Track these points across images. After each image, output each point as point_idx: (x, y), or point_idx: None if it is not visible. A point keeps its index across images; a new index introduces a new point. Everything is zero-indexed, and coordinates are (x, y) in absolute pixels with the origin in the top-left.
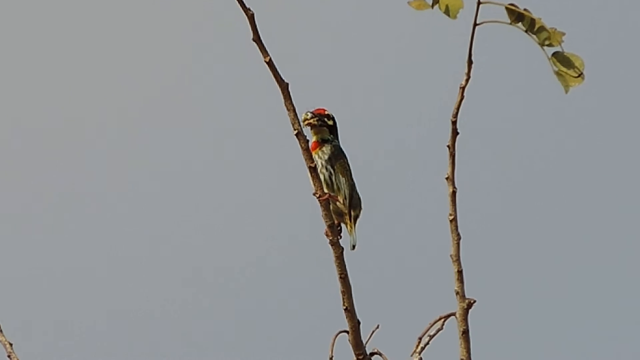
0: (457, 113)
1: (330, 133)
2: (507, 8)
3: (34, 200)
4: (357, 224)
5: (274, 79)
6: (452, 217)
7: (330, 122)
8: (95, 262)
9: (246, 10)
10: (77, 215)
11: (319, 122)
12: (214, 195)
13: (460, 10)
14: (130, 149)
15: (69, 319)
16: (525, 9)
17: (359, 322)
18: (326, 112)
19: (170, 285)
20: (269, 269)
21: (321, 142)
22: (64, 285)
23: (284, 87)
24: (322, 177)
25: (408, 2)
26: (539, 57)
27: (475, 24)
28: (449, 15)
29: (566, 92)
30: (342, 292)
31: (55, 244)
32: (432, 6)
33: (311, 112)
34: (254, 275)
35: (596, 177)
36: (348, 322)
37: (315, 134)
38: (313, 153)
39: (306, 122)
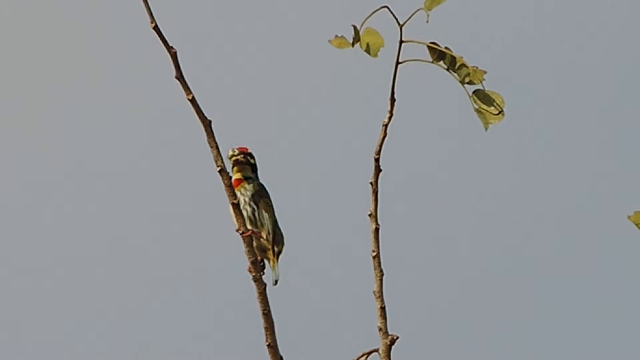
0: (379, 150)
1: (252, 171)
2: (428, 47)
3: None
4: (279, 260)
5: (197, 116)
6: (374, 254)
7: (252, 161)
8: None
9: (169, 48)
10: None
11: (245, 159)
12: (134, 237)
13: (382, 49)
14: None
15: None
16: (446, 47)
17: (282, 358)
18: (248, 151)
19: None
20: (190, 305)
21: (244, 180)
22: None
23: (207, 124)
24: (245, 213)
25: (329, 41)
26: (461, 94)
27: (397, 62)
28: (369, 54)
29: (486, 129)
30: (265, 328)
31: None
32: (353, 45)
33: (237, 149)
34: (175, 310)
35: (517, 211)
36: (271, 358)
37: (239, 171)
38: (236, 190)
39: (233, 158)
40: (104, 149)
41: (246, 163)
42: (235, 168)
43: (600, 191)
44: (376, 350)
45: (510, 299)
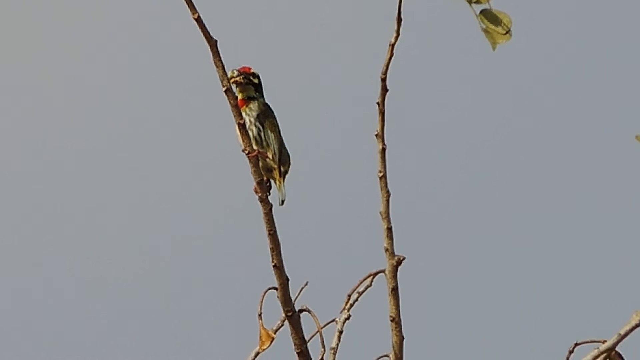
0: (386, 70)
1: (256, 91)
2: None
3: None
4: (286, 180)
5: (203, 36)
6: (381, 174)
7: (256, 80)
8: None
9: None
10: None
11: (245, 80)
12: (146, 153)
13: None
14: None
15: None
16: None
17: (287, 279)
18: (251, 70)
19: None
20: (197, 227)
21: (247, 100)
22: None
23: (212, 43)
24: (251, 133)
25: None
26: (468, 14)
27: None
28: None
29: (494, 49)
30: (271, 248)
31: None
32: None
33: (237, 70)
34: (184, 232)
35: (525, 134)
36: (277, 278)
37: (241, 91)
38: (241, 110)
39: (232, 79)
40: (106, 68)
41: (247, 83)
42: (237, 89)
43: (604, 115)
44: (382, 271)
45: (518, 219)
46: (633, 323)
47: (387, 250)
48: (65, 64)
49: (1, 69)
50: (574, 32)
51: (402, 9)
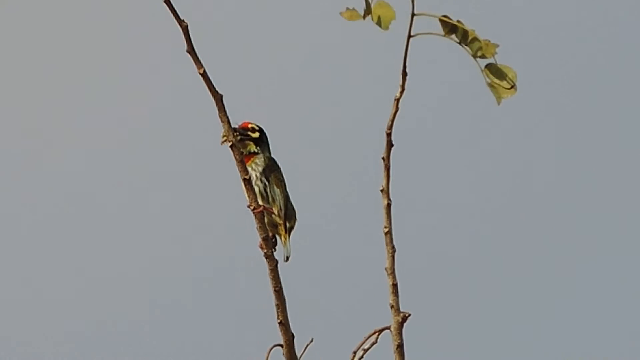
0: (391, 125)
1: (257, 145)
2: (440, 20)
3: None
4: (291, 236)
5: (208, 91)
6: (386, 230)
7: (255, 135)
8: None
9: (180, 21)
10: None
11: (241, 138)
12: (151, 206)
13: (393, 22)
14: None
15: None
16: (458, 21)
17: (293, 336)
18: (250, 125)
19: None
20: (203, 282)
21: (253, 155)
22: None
23: (218, 98)
24: (256, 189)
25: (340, 13)
26: (473, 68)
27: (409, 36)
28: (380, 27)
29: (498, 103)
30: (277, 305)
31: None
32: (364, 17)
33: (235, 129)
34: (188, 287)
35: (529, 186)
36: (282, 335)
37: (242, 148)
38: (247, 165)
39: (224, 138)
40: (110, 123)
41: (243, 140)
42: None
43: (609, 170)
44: (388, 328)
45: (522, 279)
46: None
47: (392, 306)
48: (66, 118)
49: None
50: (579, 86)
51: (407, 64)
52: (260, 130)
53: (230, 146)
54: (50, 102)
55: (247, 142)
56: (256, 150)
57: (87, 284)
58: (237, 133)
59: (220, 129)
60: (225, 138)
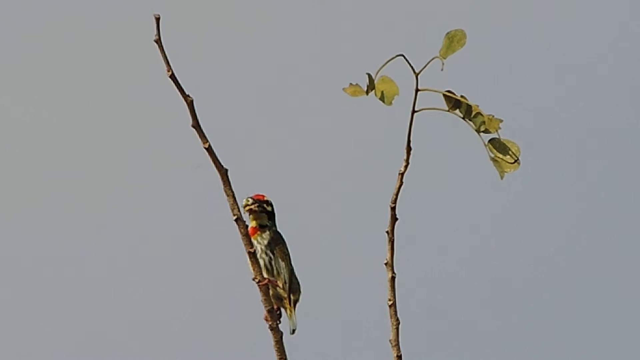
0: (396, 199)
1: (269, 219)
2: (444, 95)
3: None
4: (296, 309)
5: (213, 165)
6: (391, 302)
7: (269, 208)
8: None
9: (185, 96)
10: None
11: (259, 208)
12: (149, 283)
13: (397, 97)
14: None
15: None
16: (462, 96)
17: None
18: (265, 198)
19: None
20: (209, 354)
21: (260, 228)
22: None
23: (223, 172)
24: (261, 262)
25: (343, 89)
26: (477, 142)
27: (413, 111)
28: (384, 102)
29: (501, 177)
30: None
31: None
32: (367, 93)
33: (251, 198)
34: None
35: (533, 262)
36: None
37: (255, 219)
38: (252, 238)
39: (247, 207)
40: (115, 194)
41: (261, 211)
42: (251, 217)
43: (622, 245)
44: None
45: (532, 344)
46: None
47: None
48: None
49: None
50: (582, 160)
51: (411, 138)
52: (272, 205)
53: (236, 220)
54: None
55: (263, 214)
56: (268, 224)
57: None
58: (257, 204)
59: (224, 202)
60: (247, 207)
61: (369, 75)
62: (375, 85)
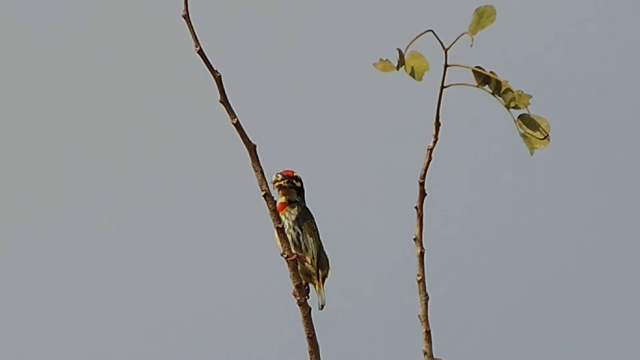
0: (424, 174)
1: (298, 195)
2: (473, 71)
3: None
4: (325, 284)
5: (242, 141)
6: (419, 278)
7: (299, 184)
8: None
9: (214, 72)
10: None
11: (289, 184)
12: (183, 254)
13: (426, 73)
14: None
15: None
16: (491, 72)
17: None
18: (294, 174)
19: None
20: (236, 329)
21: (288, 203)
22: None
23: (251, 148)
24: (289, 237)
25: (373, 64)
26: (506, 118)
27: (442, 87)
28: (414, 77)
29: (531, 154)
30: (310, 352)
31: None
32: (398, 68)
33: (281, 174)
34: (220, 334)
35: (562, 237)
36: None
37: (283, 195)
38: (280, 214)
39: (277, 183)
40: (146, 170)
41: (290, 187)
42: (280, 192)
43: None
44: None
45: (557, 321)
46: None
47: (425, 353)
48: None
49: None
50: (612, 136)
51: (440, 114)
52: (301, 180)
53: (264, 195)
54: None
55: (292, 190)
56: (297, 200)
57: None
58: (287, 180)
59: (253, 179)
60: (277, 183)
61: (399, 51)
62: (406, 61)
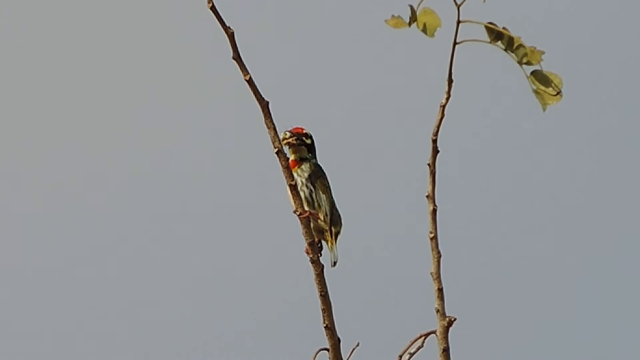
0: (437, 131)
1: (309, 152)
2: (486, 27)
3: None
4: (337, 241)
5: (254, 97)
6: (432, 235)
7: (309, 141)
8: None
9: (226, 28)
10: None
11: (298, 142)
12: (197, 209)
13: (439, 29)
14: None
15: None
16: (504, 28)
17: (339, 340)
18: (304, 131)
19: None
20: (248, 286)
21: (300, 161)
22: None
23: (264, 105)
24: (302, 194)
25: (385, 20)
26: (519, 75)
27: (455, 43)
28: (426, 34)
29: (544, 110)
30: (323, 309)
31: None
32: (410, 24)
33: (289, 132)
34: (232, 292)
35: (572, 194)
36: (328, 339)
37: (294, 152)
38: (293, 171)
39: (285, 141)
40: (160, 129)
41: (300, 144)
42: (290, 150)
43: None
44: (434, 332)
45: (567, 281)
46: None
47: (438, 311)
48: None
49: None
50: (624, 91)
51: (452, 71)
52: (312, 137)
53: (277, 152)
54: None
55: (302, 147)
56: (308, 157)
57: None
58: (295, 137)
59: (265, 135)
60: (285, 140)
61: (411, 7)
62: (418, 17)
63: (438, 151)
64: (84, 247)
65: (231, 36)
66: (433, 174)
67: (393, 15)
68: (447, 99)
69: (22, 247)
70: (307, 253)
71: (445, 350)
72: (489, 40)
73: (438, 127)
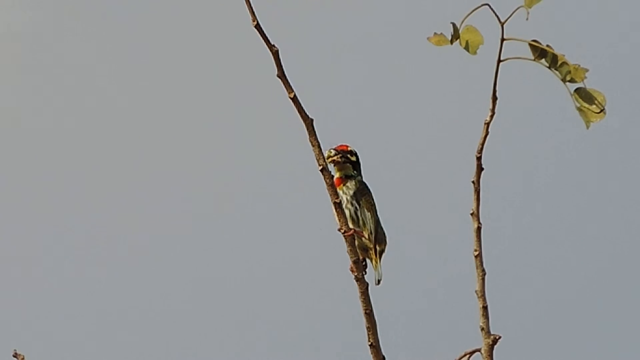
0: (481, 149)
1: (354, 169)
2: (530, 44)
3: None
4: (382, 259)
5: (299, 115)
6: (477, 253)
7: (354, 158)
8: None
9: (271, 46)
10: None
11: (343, 159)
12: (244, 224)
13: (481, 46)
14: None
15: None
16: (548, 45)
17: (384, 358)
18: (349, 149)
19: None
20: (294, 306)
21: (345, 178)
22: None
23: (308, 122)
24: (347, 212)
25: (428, 38)
26: (562, 92)
27: (499, 60)
28: (468, 51)
29: (587, 127)
30: (367, 327)
31: None
32: (452, 42)
33: (334, 149)
34: (282, 310)
35: (620, 211)
36: (373, 358)
37: (339, 170)
38: (338, 189)
39: (330, 159)
40: (204, 145)
41: (345, 162)
42: (335, 168)
43: None
44: (478, 350)
45: (615, 299)
46: None
47: (482, 329)
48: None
49: None
50: None
51: (497, 88)
52: (357, 154)
53: (321, 170)
54: None
55: (347, 165)
56: (353, 174)
57: None
58: (340, 155)
59: (310, 153)
60: (330, 158)
61: (454, 25)
62: (460, 35)
63: (482, 168)
64: (85, 246)
65: (275, 54)
66: (477, 191)
67: (435, 33)
68: (492, 116)
69: (22, 246)
70: (352, 271)
71: None
72: (533, 57)
73: (482, 144)
